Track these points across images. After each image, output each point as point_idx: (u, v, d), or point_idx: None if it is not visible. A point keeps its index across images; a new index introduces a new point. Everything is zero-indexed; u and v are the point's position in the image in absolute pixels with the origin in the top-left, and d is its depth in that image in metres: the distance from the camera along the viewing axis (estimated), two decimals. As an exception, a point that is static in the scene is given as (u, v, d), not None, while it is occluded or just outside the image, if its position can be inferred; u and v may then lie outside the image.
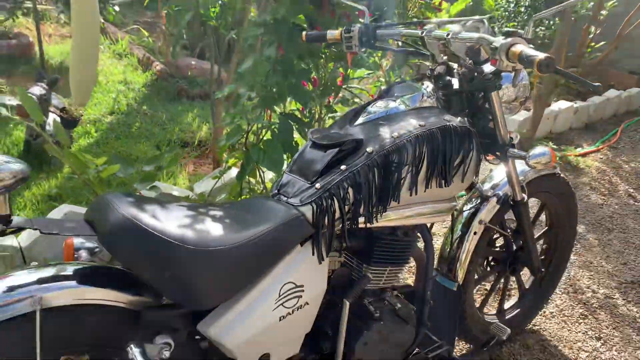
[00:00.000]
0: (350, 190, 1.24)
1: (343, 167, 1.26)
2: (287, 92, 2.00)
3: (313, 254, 1.23)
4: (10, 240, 1.91)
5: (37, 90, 2.77)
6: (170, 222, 1.06)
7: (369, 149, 1.27)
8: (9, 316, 0.95)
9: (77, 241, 1.31)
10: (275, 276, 1.17)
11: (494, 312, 2.12)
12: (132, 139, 3.47)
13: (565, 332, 2.23)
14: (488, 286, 2.22)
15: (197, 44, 5.34)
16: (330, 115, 2.17)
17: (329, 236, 1.24)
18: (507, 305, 2.15)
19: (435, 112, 1.40)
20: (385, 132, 1.31)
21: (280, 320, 1.18)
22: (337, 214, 1.23)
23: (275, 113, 2.05)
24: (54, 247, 1.98)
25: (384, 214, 1.30)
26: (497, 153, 1.58)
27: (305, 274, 1.22)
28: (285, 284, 1.18)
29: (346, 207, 1.24)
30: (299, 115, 2.12)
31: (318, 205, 1.22)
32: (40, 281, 1.00)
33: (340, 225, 1.26)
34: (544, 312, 2.32)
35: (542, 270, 1.97)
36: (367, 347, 1.36)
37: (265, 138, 2.02)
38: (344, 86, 2.12)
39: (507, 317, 2.09)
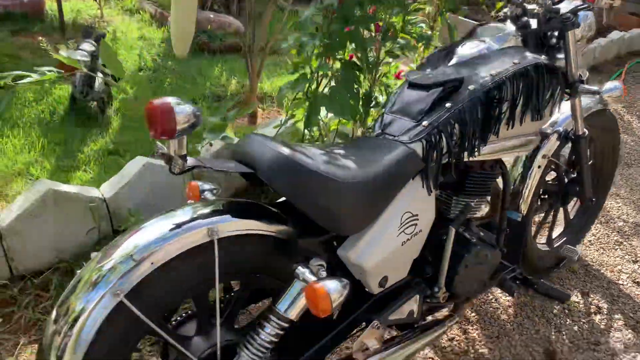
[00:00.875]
0: (456, 126, 1.35)
1: (448, 104, 1.36)
2: (347, 39, 2.06)
3: (423, 186, 1.35)
4: (95, 192, 2.00)
5: (87, 46, 2.78)
6: (315, 159, 1.17)
7: (470, 87, 1.37)
8: (190, 245, 1.05)
9: (199, 183, 1.41)
10: (396, 206, 1.30)
11: (543, 241, 2.28)
12: (167, 94, 3.48)
13: (604, 257, 2.42)
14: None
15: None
16: (386, 61, 2.24)
17: (436, 169, 1.36)
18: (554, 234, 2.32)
19: (522, 51, 1.50)
20: (483, 71, 1.41)
21: (402, 245, 1.31)
22: (445, 149, 1.35)
23: (336, 61, 2.11)
24: (133, 197, 2.07)
25: (482, 147, 1.41)
26: (567, 90, 1.69)
27: (418, 204, 1.34)
28: (405, 213, 1.31)
29: (453, 142, 1.35)
30: (357, 62, 2.19)
31: (428, 142, 1.33)
32: (207, 215, 1.10)
33: (447, 160, 1.37)
34: (583, 241, 2.50)
35: (593, 200, 2.13)
36: (467, 269, 1.50)
37: (327, 86, 2.10)
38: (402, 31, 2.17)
39: (555, 246, 2.26)
